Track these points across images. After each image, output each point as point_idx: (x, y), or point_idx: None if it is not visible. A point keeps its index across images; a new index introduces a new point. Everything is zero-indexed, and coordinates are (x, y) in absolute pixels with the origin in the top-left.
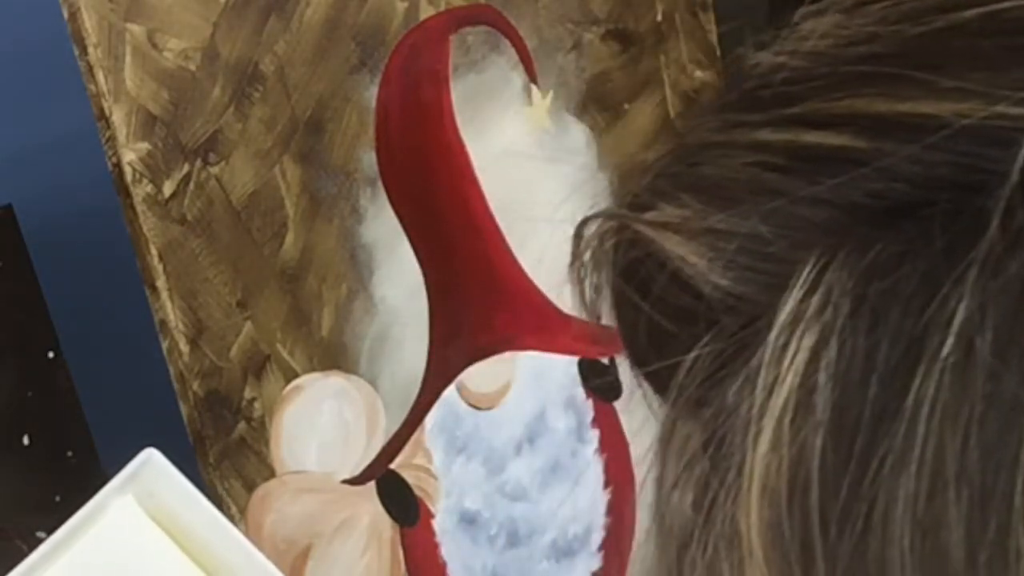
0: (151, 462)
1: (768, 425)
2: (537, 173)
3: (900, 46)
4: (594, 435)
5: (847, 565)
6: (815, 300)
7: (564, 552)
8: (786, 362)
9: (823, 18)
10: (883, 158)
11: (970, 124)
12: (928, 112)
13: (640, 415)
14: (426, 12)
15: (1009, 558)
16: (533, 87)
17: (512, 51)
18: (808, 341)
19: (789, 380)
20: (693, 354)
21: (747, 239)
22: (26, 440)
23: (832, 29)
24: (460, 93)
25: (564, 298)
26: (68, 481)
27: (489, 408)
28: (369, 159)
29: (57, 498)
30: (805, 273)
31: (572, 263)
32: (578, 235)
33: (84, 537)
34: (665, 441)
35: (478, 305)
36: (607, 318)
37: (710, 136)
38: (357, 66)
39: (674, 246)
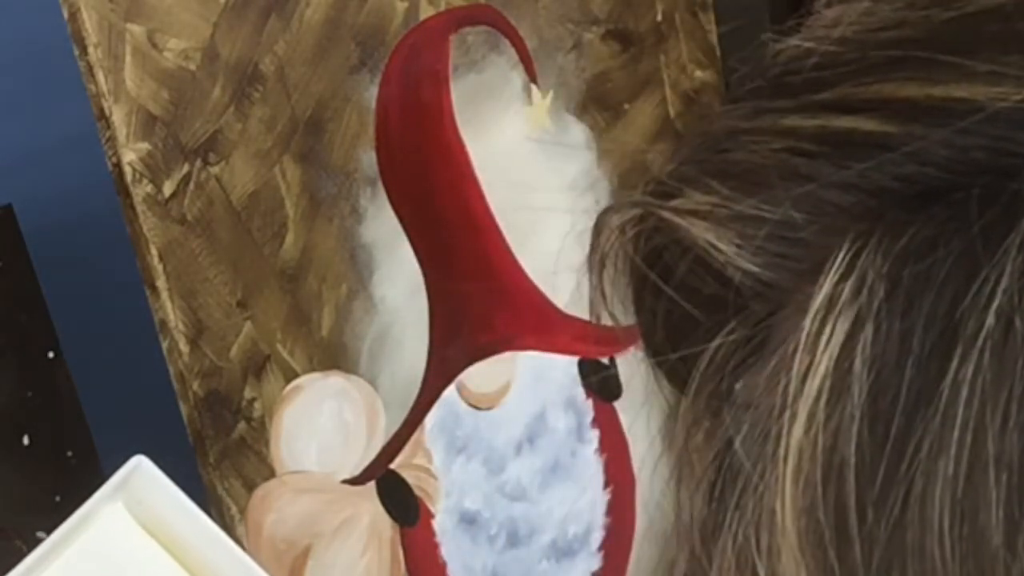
0: (140, 469)
1: (803, 410)
2: (537, 173)
3: (930, 31)
4: (594, 435)
5: (884, 549)
6: (849, 285)
7: (564, 552)
8: (821, 347)
9: (851, 4)
10: (914, 142)
11: (1005, 108)
12: (961, 96)
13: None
14: (426, 12)
15: None
16: (533, 87)
17: (512, 51)
18: (843, 326)
19: (824, 364)
20: (717, 341)
21: (777, 225)
22: (26, 440)
23: (860, 16)
24: (460, 93)
25: (564, 298)
26: (68, 481)
27: (489, 408)
28: (369, 159)
29: (57, 498)
30: (839, 258)
31: (591, 253)
32: (598, 225)
33: (74, 544)
34: (685, 435)
35: (478, 305)
36: (609, 318)
37: (738, 123)
38: (357, 66)
39: (702, 232)
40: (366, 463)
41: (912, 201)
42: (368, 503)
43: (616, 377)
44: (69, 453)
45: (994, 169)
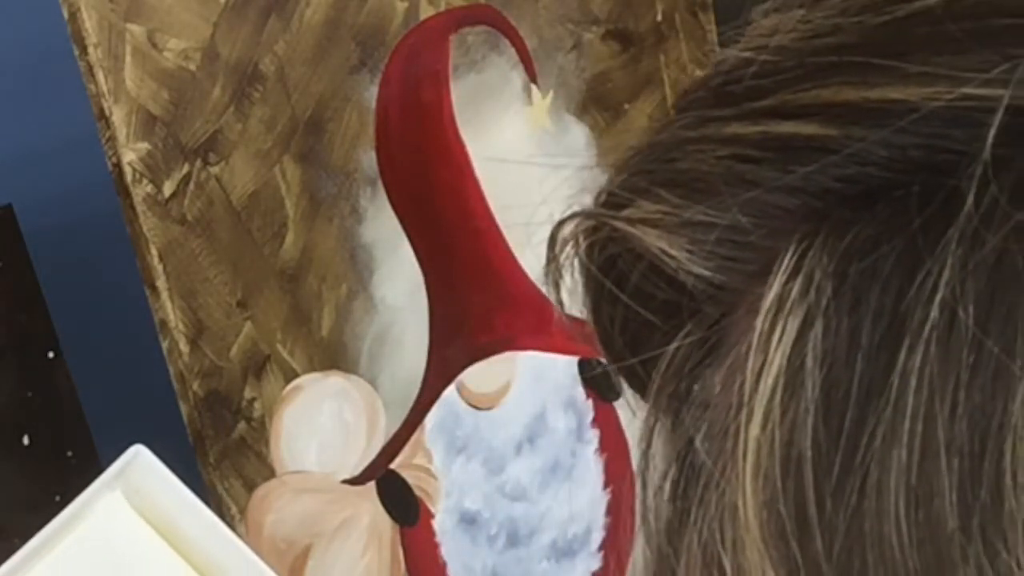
0: (139, 458)
1: (759, 407)
2: (537, 173)
3: (864, 36)
4: (594, 435)
5: (844, 538)
6: (798, 284)
7: (564, 552)
8: (773, 345)
9: (787, 13)
10: (854, 144)
11: (938, 107)
12: (896, 97)
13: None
14: (426, 12)
15: (1003, 524)
16: (533, 87)
17: (512, 51)
18: (793, 323)
19: (777, 362)
20: (675, 345)
21: (726, 230)
22: (26, 440)
23: (796, 24)
24: (460, 93)
25: (564, 298)
26: (68, 481)
27: (489, 408)
28: (369, 159)
29: (57, 498)
30: (787, 258)
31: (547, 265)
32: (553, 237)
33: (72, 533)
34: (648, 437)
35: (478, 305)
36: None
37: (683, 132)
38: (357, 66)
39: (653, 240)
40: (366, 463)
41: (855, 201)
42: (368, 503)
43: (616, 377)
44: (69, 453)
45: (931, 166)
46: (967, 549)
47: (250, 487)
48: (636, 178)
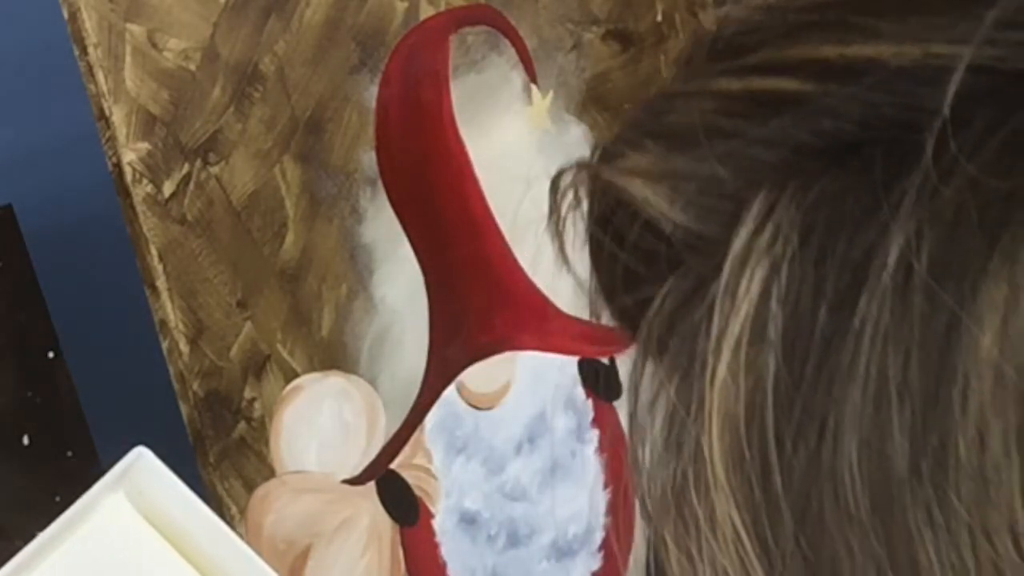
0: (141, 460)
1: (725, 352)
2: (537, 173)
3: None
4: (594, 435)
5: (802, 480)
6: (765, 234)
7: (564, 552)
8: (740, 292)
9: None
10: (829, 99)
11: (907, 65)
12: (870, 55)
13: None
14: (426, 12)
15: (949, 467)
16: (533, 87)
17: (512, 51)
18: (760, 273)
19: (744, 309)
20: (662, 292)
21: (705, 180)
22: (26, 440)
23: None
24: (460, 93)
25: (564, 298)
26: (68, 481)
27: (489, 408)
28: (369, 159)
29: (57, 498)
30: (755, 209)
31: (550, 216)
32: (554, 186)
33: (75, 534)
34: (635, 383)
35: (478, 305)
36: (605, 318)
37: (676, 87)
38: (357, 66)
39: (638, 189)
40: (366, 463)
41: (827, 155)
42: (368, 503)
43: (616, 377)
44: (69, 453)
45: (900, 123)
46: (917, 492)
47: (250, 487)
48: (629, 131)
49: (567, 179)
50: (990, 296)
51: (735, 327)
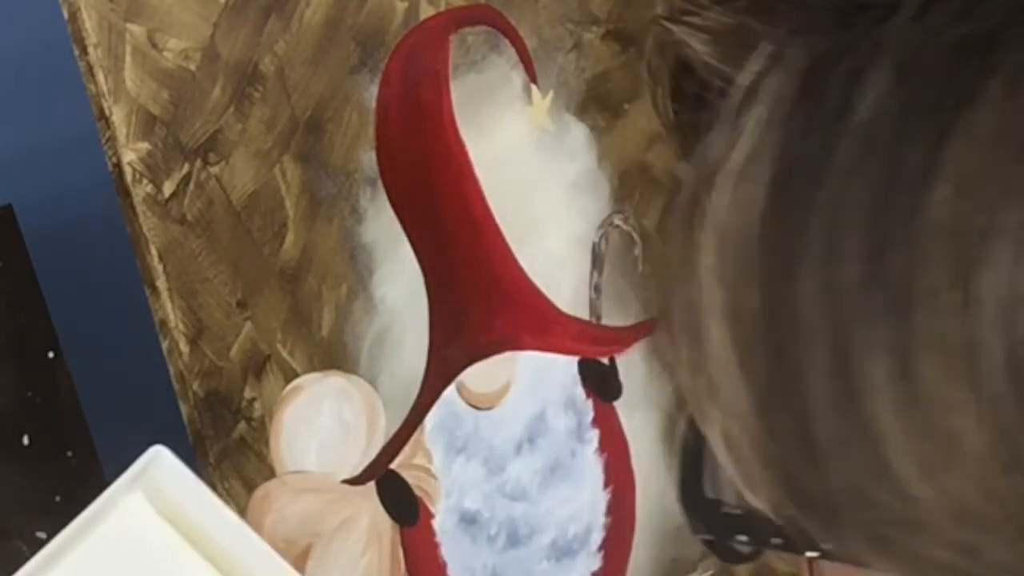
0: (159, 458)
1: (724, 176)
2: (537, 173)
3: None
4: (594, 435)
5: (772, 297)
6: (772, 75)
7: (564, 552)
8: (743, 125)
9: None
10: None
11: None
12: None
13: (640, 415)
14: (426, 12)
15: (898, 291)
16: (533, 87)
17: (512, 51)
18: (761, 110)
19: (743, 141)
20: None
21: (740, 28)
22: (26, 440)
23: None
24: (460, 93)
25: (564, 298)
26: (68, 481)
27: (489, 408)
28: (369, 159)
29: (57, 498)
30: (767, 50)
31: (647, 69)
32: (645, 37)
33: (93, 534)
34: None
35: (478, 305)
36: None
37: None
38: (357, 66)
39: (686, 35)
40: (366, 463)
41: (844, 13)
42: (368, 503)
43: (616, 377)
44: (69, 453)
45: None
46: (863, 312)
47: (250, 487)
48: None
49: (651, 39)
50: (958, 137)
51: (735, 157)
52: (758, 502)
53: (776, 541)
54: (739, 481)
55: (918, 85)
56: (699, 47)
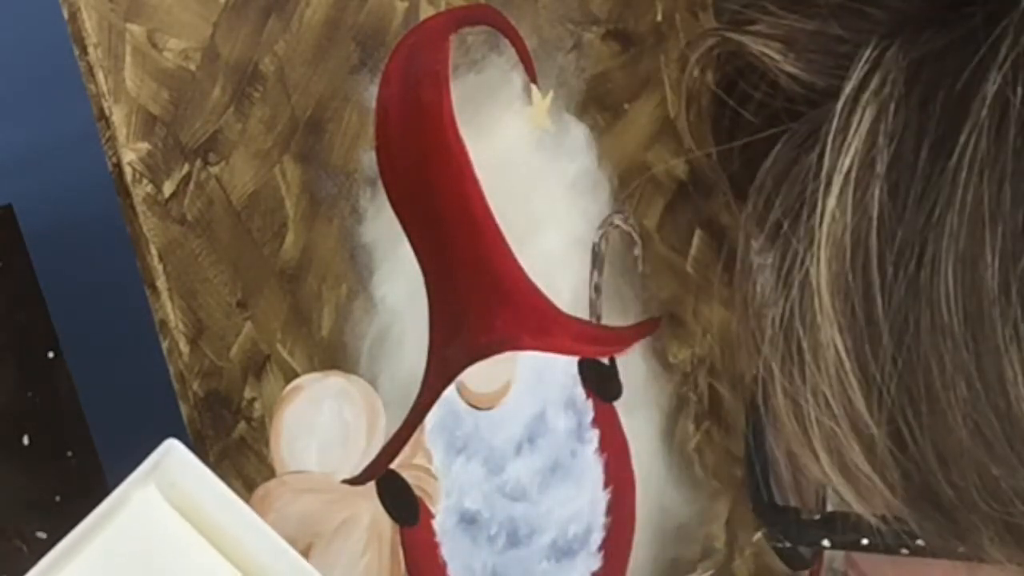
0: (173, 452)
1: (835, 187)
2: (537, 173)
3: None
4: (594, 435)
5: (901, 303)
6: (875, 80)
7: (564, 552)
8: (851, 132)
9: None
10: None
11: None
12: None
13: (640, 415)
14: (426, 12)
15: None
16: (533, 87)
17: (512, 51)
18: (869, 114)
19: (854, 146)
20: (781, 141)
21: (816, 34)
22: (26, 440)
23: None
24: (460, 93)
25: (564, 298)
26: (68, 481)
27: (489, 408)
28: (369, 159)
29: (57, 498)
30: (867, 54)
31: (686, 79)
32: (683, 62)
33: (107, 529)
34: (746, 236)
35: (478, 305)
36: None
37: None
38: (357, 66)
39: (757, 45)
40: (366, 463)
41: (931, 11)
42: (368, 503)
43: (616, 377)
44: (69, 453)
45: None
46: (1006, 310)
47: (250, 487)
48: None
49: (698, 52)
50: None
51: (845, 163)
52: (867, 509)
53: (864, 542)
54: (845, 490)
55: None
56: (775, 55)
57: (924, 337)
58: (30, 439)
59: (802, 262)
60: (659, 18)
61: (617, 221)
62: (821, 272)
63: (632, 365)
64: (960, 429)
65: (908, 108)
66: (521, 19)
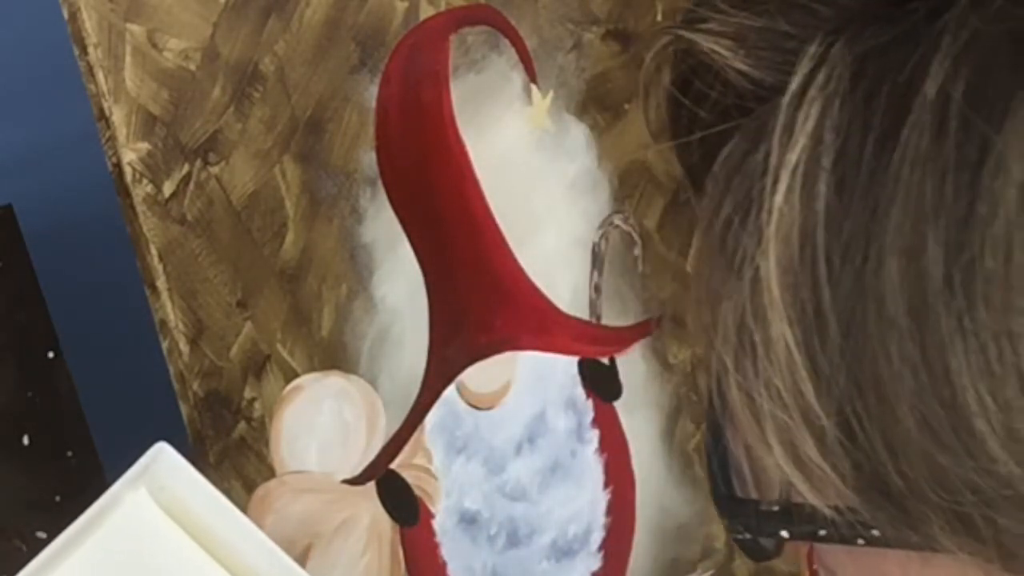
0: (163, 455)
1: (783, 179)
2: (537, 173)
3: None
4: (594, 435)
5: (848, 295)
6: (820, 75)
7: (564, 552)
8: (797, 126)
9: None
10: None
11: None
12: None
13: (640, 415)
14: (426, 12)
15: (978, 276)
16: (533, 87)
17: (512, 51)
18: (815, 109)
19: (800, 142)
20: (734, 137)
21: (765, 31)
22: (26, 440)
23: None
24: (460, 93)
25: (564, 298)
26: (68, 481)
27: (489, 408)
28: (369, 159)
29: (57, 498)
30: (811, 52)
31: (643, 87)
32: (641, 62)
33: (97, 532)
34: (705, 224)
35: (478, 305)
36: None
37: None
38: (357, 66)
39: (708, 42)
40: (366, 463)
41: (875, 8)
42: (368, 503)
43: (616, 377)
44: (69, 453)
45: None
46: (949, 302)
47: (250, 487)
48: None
49: (652, 51)
50: (1019, 120)
51: (791, 158)
52: (822, 500)
53: (822, 533)
54: (799, 481)
55: (978, 72)
56: (725, 52)
57: (871, 329)
58: (30, 439)
59: (752, 257)
60: (659, 18)
61: (617, 221)
62: (771, 266)
63: (632, 365)
64: (907, 419)
65: (853, 103)
66: (521, 19)
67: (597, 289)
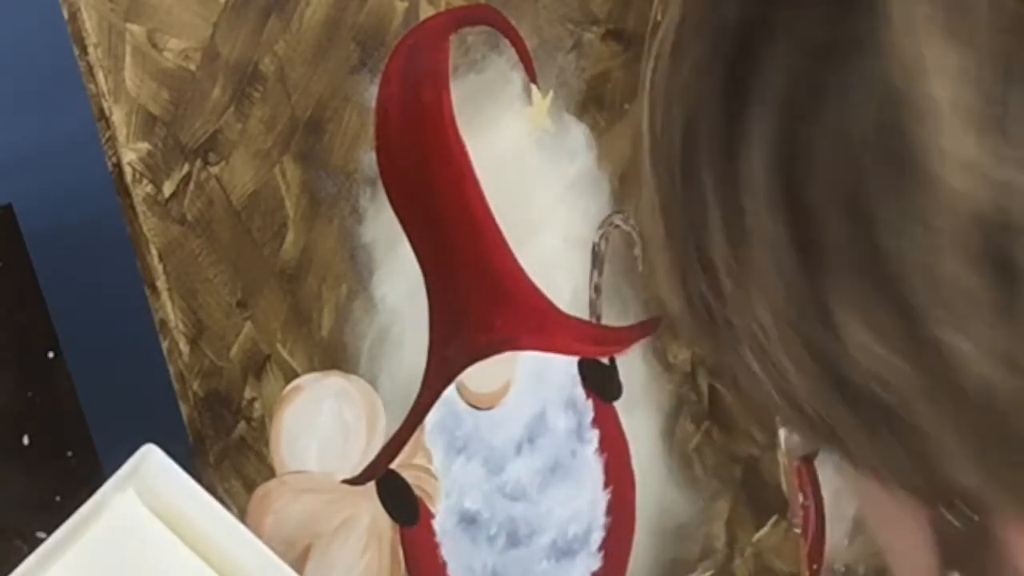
0: (150, 457)
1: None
2: (537, 173)
3: None
4: (594, 435)
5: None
6: None
7: (564, 552)
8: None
9: None
10: None
11: None
12: None
13: (640, 415)
14: (426, 12)
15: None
16: (533, 87)
17: (512, 51)
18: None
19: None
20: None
21: None
22: (26, 440)
23: None
24: (460, 93)
25: (564, 298)
26: (68, 481)
27: (489, 408)
28: (369, 159)
29: (57, 498)
30: None
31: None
32: None
33: (86, 533)
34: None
35: (478, 305)
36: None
37: None
38: (357, 66)
39: None
40: (366, 463)
41: None
42: (368, 503)
43: (616, 377)
44: (69, 453)
45: None
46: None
47: (250, 487)
48: None
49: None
50: None
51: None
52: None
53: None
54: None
55: None
56: None
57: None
58: (30, 439)
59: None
60: (659, 18)
61: (617, 221)
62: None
63: (632, 365)
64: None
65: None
66: (521, 19)
67: (597, 289)
